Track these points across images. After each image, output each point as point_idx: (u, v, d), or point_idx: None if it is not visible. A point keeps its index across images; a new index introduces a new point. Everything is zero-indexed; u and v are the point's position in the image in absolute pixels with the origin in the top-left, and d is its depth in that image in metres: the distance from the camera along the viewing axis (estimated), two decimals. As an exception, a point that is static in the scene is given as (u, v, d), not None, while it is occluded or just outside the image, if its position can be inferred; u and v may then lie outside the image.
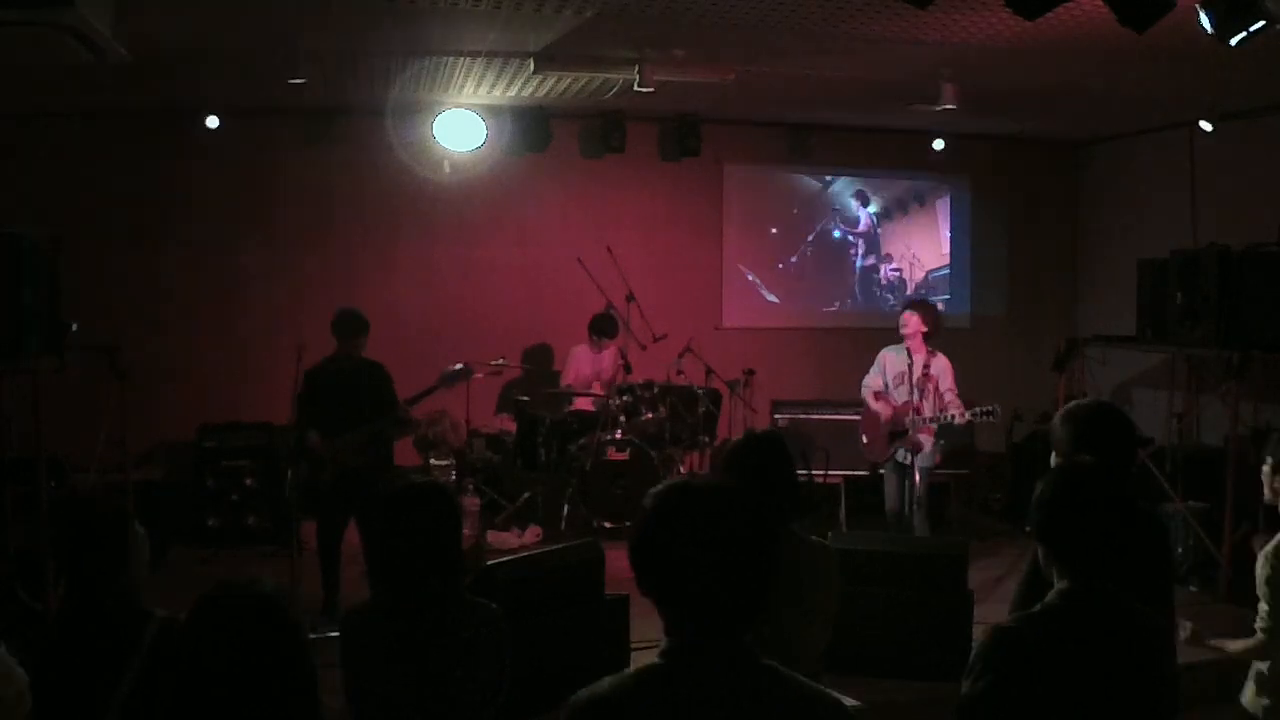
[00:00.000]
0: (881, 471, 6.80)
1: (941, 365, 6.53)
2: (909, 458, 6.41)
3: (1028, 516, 2.35)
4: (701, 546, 1.64)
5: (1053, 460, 3.09)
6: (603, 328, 8.08)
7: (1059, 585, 2.23)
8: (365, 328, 6.18)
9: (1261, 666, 3.28)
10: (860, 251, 9.68)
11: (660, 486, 1.76)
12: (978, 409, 6.33)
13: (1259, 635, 3.27)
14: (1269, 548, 3.30)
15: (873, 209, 9.66)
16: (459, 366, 6.63)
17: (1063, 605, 2.20)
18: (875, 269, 9.73)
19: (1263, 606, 3.27)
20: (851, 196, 9.63)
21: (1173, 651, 2.28)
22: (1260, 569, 3.27)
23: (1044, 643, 2.15)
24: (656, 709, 1.65)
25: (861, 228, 9.67)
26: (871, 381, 6.74)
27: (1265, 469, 3.47)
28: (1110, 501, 2.22)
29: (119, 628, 2.41)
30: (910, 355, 6.42)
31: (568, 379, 8.28)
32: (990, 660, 2.18)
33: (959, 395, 6.48)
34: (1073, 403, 3.13)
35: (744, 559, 1.66)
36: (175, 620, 2.44)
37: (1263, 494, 3.50)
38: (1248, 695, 3.31)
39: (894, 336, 6.68)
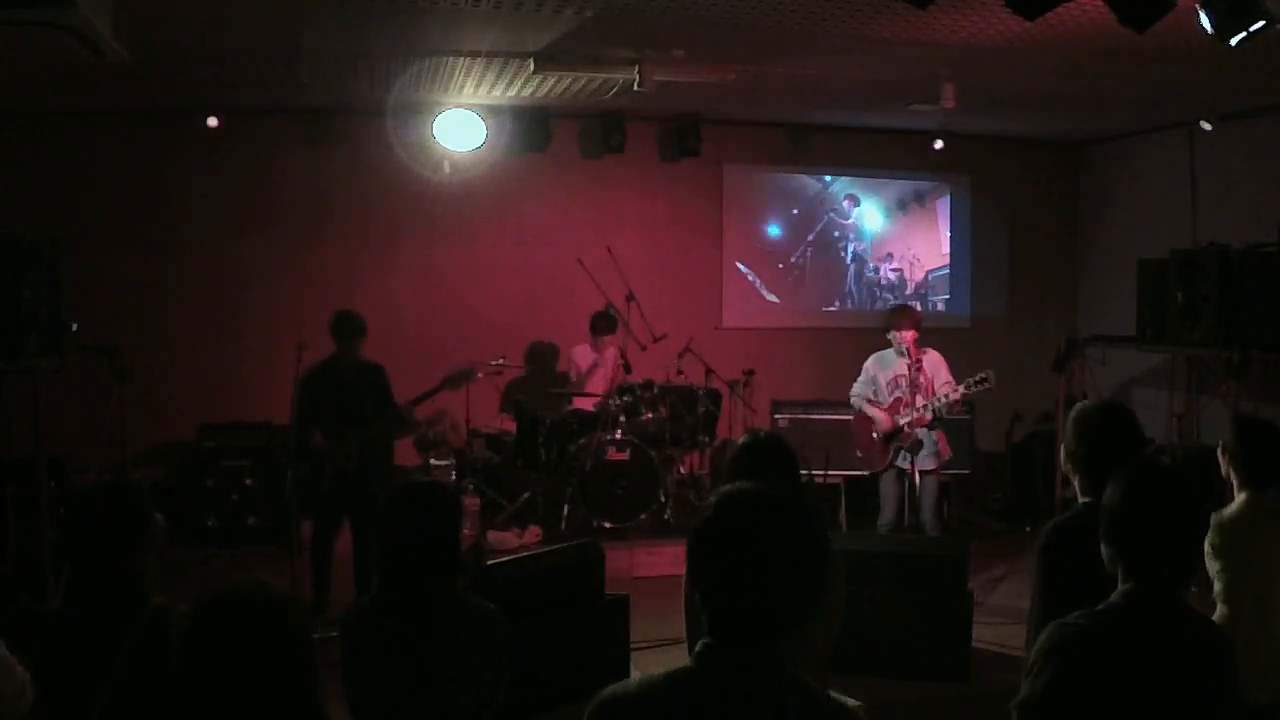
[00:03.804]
0: (880, 477, 6.65)
1: (934, 361, 6.49)
2: (909, 461, 6.35)
3: (1101, 518, 2.32)
4: (750, 556, 1.67)
5: (1061, 459, 3.09)
6: (600, 325, 8.09)
7: (1123, 586, 2.22)
8: (363, 330, 6.19)
9: None
10: (850, 241, 9.67)
11: (728, 488, 1.78)
12: (969, 380, 6.14)
13: (1221, 608, 3.25)
14: (1220, 518, 3.31)
15: (860, 209, 9.65)
16: (463, 367, 6.65)
17: (1127, 605, 2.19)
18: (869, 265, 9.71)
19: (1216, 581, 3.27)
20: (844, 199, 9.64)
21: (1234, 659, 2.26)
22: (1211, 538, 3.25)
23: (1107, 642, 2.14)
24: (678, 712, 1.66)
25: (849, 221, 9.67)
26: (862, 391, 6.68)
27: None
28: (1184, 506, 2.23)
29: (118, 614, 2.41)
30: (909, 358, 6.36)
31: (572, 376, 8.29)
32: (1051, 657, 2.16)
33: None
34: (1080, 403, 3.15)
35: (791, 572, 1.67)
36: (170, 609, 2.43)
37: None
38: None
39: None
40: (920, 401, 6.31)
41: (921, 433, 6.38)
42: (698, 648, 1.71)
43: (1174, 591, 2.21)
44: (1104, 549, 2.31)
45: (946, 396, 6.26)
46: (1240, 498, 3.43)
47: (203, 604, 1.90)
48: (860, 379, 6.72)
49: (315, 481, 5.99)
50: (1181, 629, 2.18)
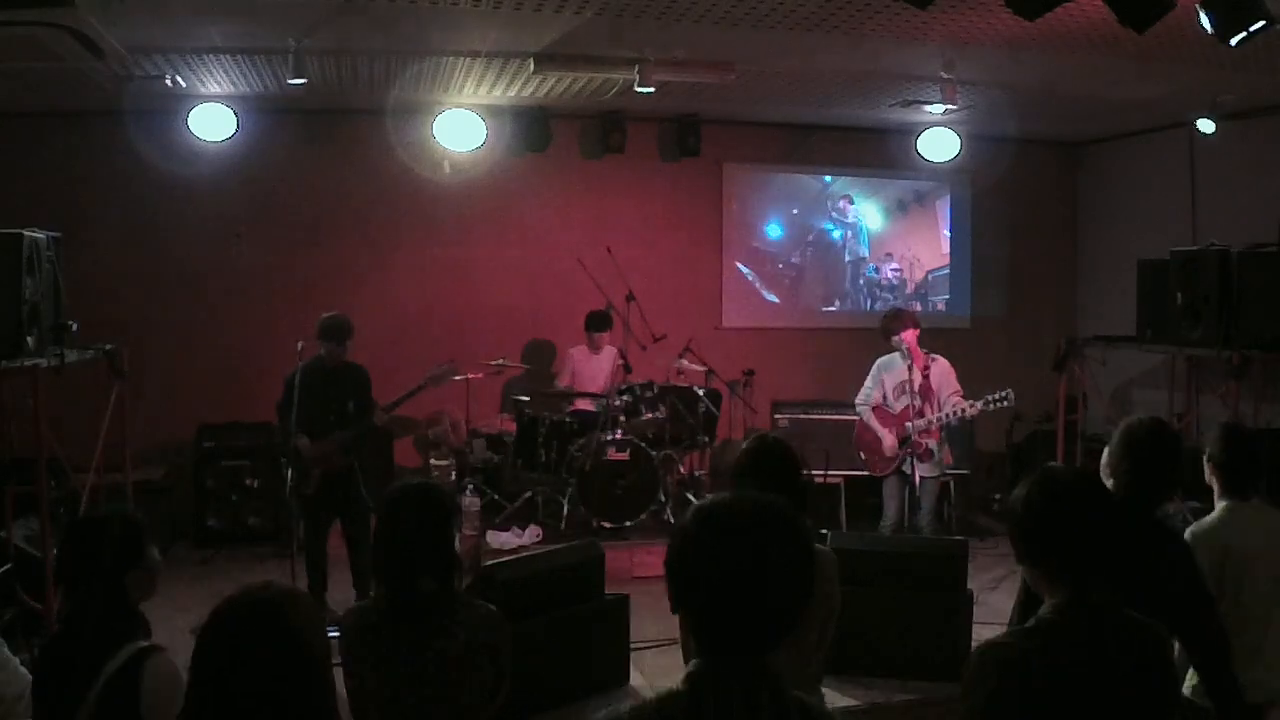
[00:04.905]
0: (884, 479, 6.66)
1: (942, 369, 6.50)
2: (913, 465, 6.36)
3: (1011, 538, 2.26)
4: (733, 573, 1.62)
5: (1100, 465, 3.05)
6: (594, 322, 8.08)
7: (1052, 599, 2.16)
8: (349, 333, 6.17)
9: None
10: (850, 241, 9.66)
11: (702, 503, 1.74)
12: (989, 397, 6.20)
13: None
14: (1195, 531, 3.28)
15: (859, 209, 9.65)
16: (444, 365, 6.63)
17: (1056, 619, 2.13)
18: (867, 266, 9.71)
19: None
20: (843, 199, 9.64)
21: (1173, 662, 2.21)
22: (1196, 553, 3.17)
23: (1037, 658, 2.08)
24: None
25: (849, 221, 9.67)
26: (869, 398, 6.67)
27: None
28: (1094, 505, 2.15)
29: (100, 649, 2.40)
30: (911, 361, 6.38)
31: (565, 380, 8.28)
32: (980, 678, 2.11)
33: (964, 396, 6.47)
34: (1129, 419, 3.09)
35: (776, 582, 1.63)
36: (151, 652, 2.43)
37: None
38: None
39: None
40: (929, 414, 6.36)
41: (932, 443, 6.44)
42: (689, 667, 1.68)
43: (1107, 600, 2.13)
44: (1023, 570, 2.24)
45: (963, 411, 6.29)
46: (1220, 505, 3.36)
47: (214, 610, 1.89)
48: (868, 383, 6.71)
49: (301, 483, 6.00)
50: (1115, 636, 2.11)
